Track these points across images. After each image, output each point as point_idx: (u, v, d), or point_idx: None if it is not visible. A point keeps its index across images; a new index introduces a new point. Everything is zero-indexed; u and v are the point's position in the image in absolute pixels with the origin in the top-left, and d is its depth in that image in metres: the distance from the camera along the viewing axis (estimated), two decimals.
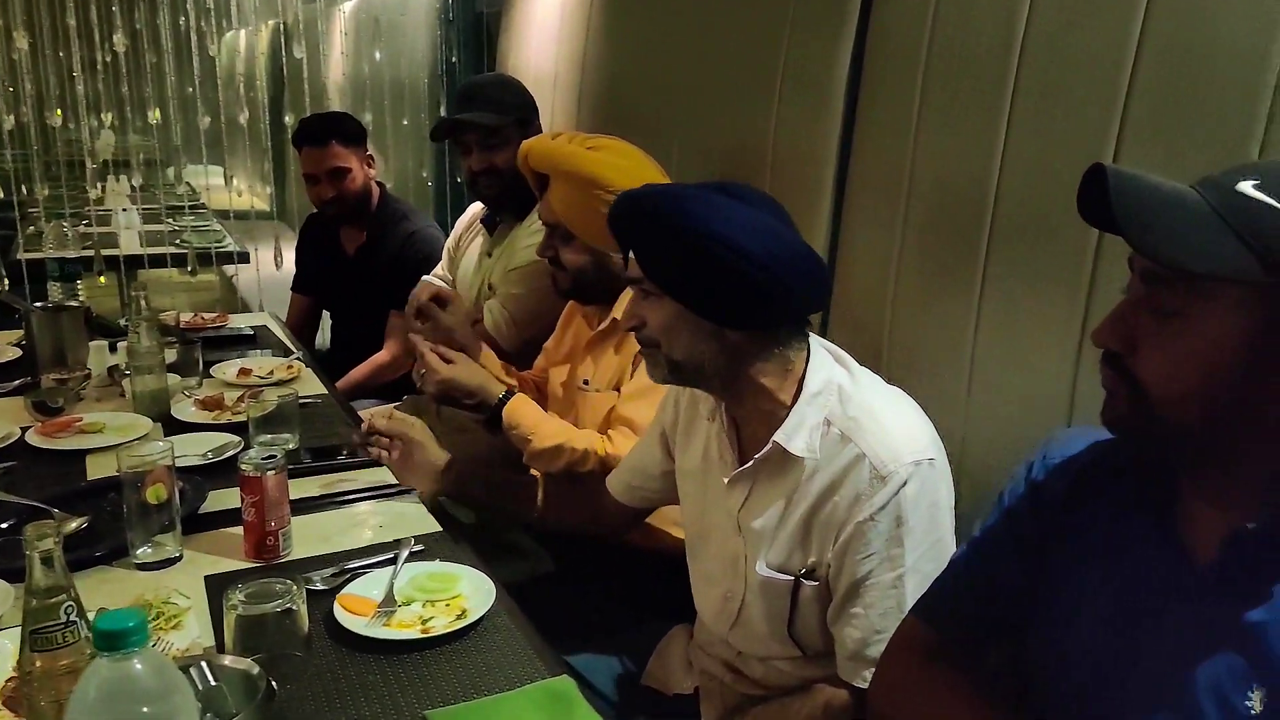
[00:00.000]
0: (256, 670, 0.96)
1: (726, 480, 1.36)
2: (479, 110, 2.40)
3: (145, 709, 0.75)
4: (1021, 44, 1.45)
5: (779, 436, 1.28)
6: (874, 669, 1.20)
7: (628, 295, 1.84)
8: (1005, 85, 1.47)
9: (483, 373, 1.90)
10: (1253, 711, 0.83)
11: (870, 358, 1.37)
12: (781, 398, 1.31)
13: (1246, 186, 0.82)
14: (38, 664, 0.92)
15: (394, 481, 1.76)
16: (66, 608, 0.93)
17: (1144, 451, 0.96)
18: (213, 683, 0.94)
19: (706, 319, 1.28)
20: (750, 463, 1.32)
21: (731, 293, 1.25)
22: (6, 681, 1.10)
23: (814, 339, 1.35)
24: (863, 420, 1.26)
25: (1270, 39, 1.13)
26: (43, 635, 0.92)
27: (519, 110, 2.46)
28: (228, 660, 0.99)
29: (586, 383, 1.90)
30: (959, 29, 1.58)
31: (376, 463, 1.82)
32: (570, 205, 1.85)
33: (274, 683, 0.99)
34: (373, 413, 1.79)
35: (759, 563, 1.33)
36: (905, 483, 1.22)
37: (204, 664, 0.95)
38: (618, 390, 1.84)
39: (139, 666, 0.76)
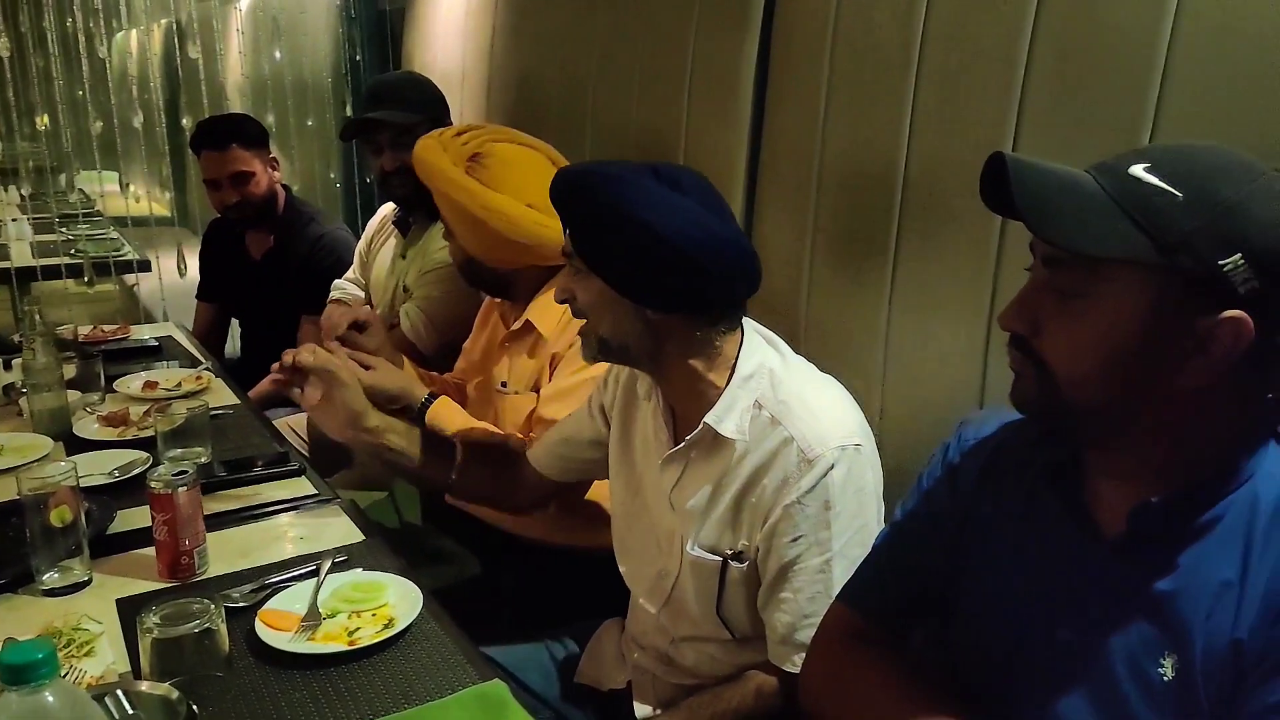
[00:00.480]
0: (176, 695, 0.93)
1: (661, 460, 1.38)
2: (389, 109, 2.36)
3: None
4: (922, 36, 1.49)
5: (709, 418, 1.29)
6: (804, 653, 1.22)
7: (541, 299, 1.84)
8: (908, 76, 1.51)
9: (404, 376, 1.88)
10: (1165, 678, 0.87)
11: (787, 343, 1.39)
12: (713, 379, 1.32)
13: (1139, 170, 0.85)
14: None
15: (314, 492, 1.72)
16: None
17: (1052, 430, 0.99)
18: (130, 711, 0.91)
19: (628, 299, 1.29)
20: (682, 444, 1.34)
21: (650, 276, 1.27)
22: None
23: (749, 324, 1.37)
24: (793, 404, 1.29)
25: (1157, 27, 1.18)
26: None
27: (430, 108, 2.43)
28: (145, 686, 0.95)
29: (504, 385, 1.89)
30: (861, 22, 1.61)
31: (295, 473, 1.79)
32: (445, 214, 1.89)
33: (195, 707, 0.96)
34: (296, 350, 1.66)
35: (690, 543, 1.34)
36: (832, 466, 1.24)
37: (120, 692, 0.92)
38: (537, 392, 1.83)
39: (50, 699, 0.73)
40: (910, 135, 1.51)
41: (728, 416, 1.29)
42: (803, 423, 1.27)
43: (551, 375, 1.81)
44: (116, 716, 0.89)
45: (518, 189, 1.82)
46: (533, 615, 1.73)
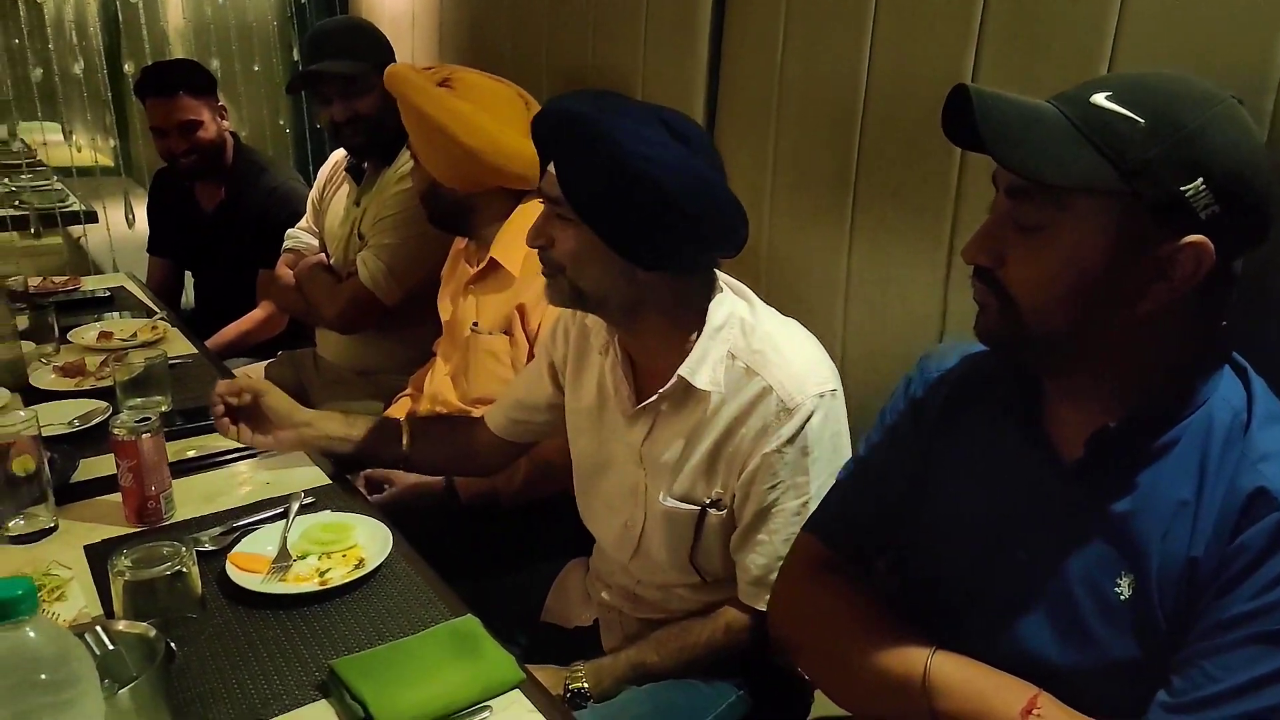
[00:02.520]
0: (154, 633, 0.93)
1: (626, 414, 1.36)
2: (333, 59, 2.31)
3: (44, 676, 0.73)
4: None
5: (683, 370, 1.28)
6: (774, 583, 1.24)
7: (505, 235, 1.83)
8: (867, 9, 1.51)
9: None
10: (1122, 597, 0.90)
11: (748, 284, 1.39)
12: (682, 331, 1.30)
13: (1100, 99, 0.85)
14: None
15: None
16: None
17: (1015, 360, 1.00)
18: (110, 647, 0.91)
19: (620, 255, 1.24)
20: (654, 397, 1.32)
21: (653, 236, 1.22)
22: None
23: (717, 273, 1.34)
24: (767, 353, 1.27)
25: None
26: None
27: (375, 54, 2.38)
28: (123, 625, 0.96)
29: (476, 325, 1.88)
30: None
31: None
32: (412, 132, 1.88)
33: (172, 645, 0.97)
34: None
35: (661, 494, 1.34)
36: (812, 414, 1.24)
37: (99, 628, 0.92)
38: (508, 334, 1.83)
39: (32, 634, 0.73)
40: (869, 69, 1.52)
41: (701, 368, 1.28)
42: (780, 371, 1.26)
43: (524, 323, 1.81)
44: (97, 651, 0.90)
45: (483, 104, 1.83)
46: (498, 555, 1.75)
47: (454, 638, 1.15)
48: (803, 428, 1.25)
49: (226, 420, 1.58)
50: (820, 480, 1.26)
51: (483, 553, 1.76)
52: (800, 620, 1.15)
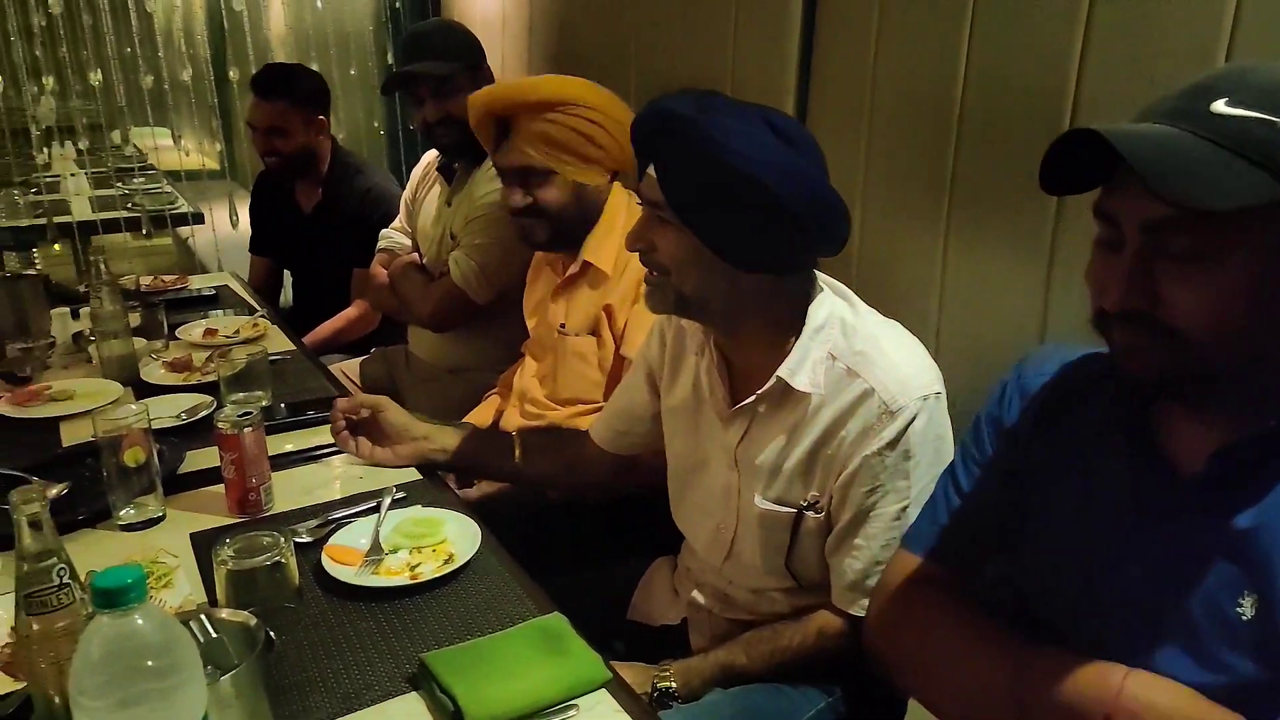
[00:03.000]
0: (254, 622, 0.96)
1: (722, 416, 1.35)
2: (426, 60, 2.35)
3: (150, 663, 0.76)
4: None
5: (783, 371, 1.26)
6: (870, 599, 1.20)
7: (593, 238, 1.84)
8: (965, 1, 1.47)
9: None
10: (1244, 618, 0.84)
11: (840, 282, 1.37)
12: (780, 332, 1.28)
13: (1221, 107, 0.79)
14: (35, 627, 0.92)
15: None
16: (59, 570, 0.92)
17: (1174, 392, 0.92)
18: (213, 635, 0.95)
19: (724, 259, 1.22)
20: (752, 398, 1.30)
21: (756, 238, 1.20)
22: (3, 647, 1.10)
23: (816, 273, 1.32)
24: (870, 354, 1.25)
25: None
26: (37, 599, 0.91)
27: (467, 55, 2.42)
28: (225, 614, 0.99)
29: (564, 326, 1.90)
30: None
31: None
32: (546, 136, 1.82)
33: (272, 634, 1.00)
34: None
35: (756, 496, 1.32)
36: (915, 417, 1.21)
37: (203, 616, 0.96)
38: (594, 335, 1.84)
39: (140, 621, 0.76)
40: (967, 65, 1.48)
41: (800, 369, 1.25)
42: (883, 373, 1.23)
43: (610, 323, 1.81)
44: (200, 639, 0.93)
45: (595, 91, 1.85)
46: (583, 552, 1.76)
47: (542, 635, 1.16)
48: (905, 431, 1.22)
49: (347, 435, 1.65)
50: (921, 485, 1.23)
51: (570, 549, 1.77)
52: (899, 635, 1.12)
